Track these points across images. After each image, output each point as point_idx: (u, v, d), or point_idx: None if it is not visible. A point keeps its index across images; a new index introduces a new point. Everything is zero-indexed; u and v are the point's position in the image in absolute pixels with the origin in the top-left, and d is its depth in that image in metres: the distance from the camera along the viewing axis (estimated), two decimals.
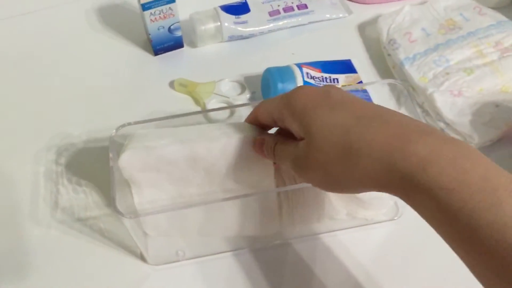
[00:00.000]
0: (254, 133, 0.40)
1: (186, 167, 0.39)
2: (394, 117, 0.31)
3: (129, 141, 0.40)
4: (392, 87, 0.47)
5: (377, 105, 0.33)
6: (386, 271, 0.44)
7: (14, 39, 0.65)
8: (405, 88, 0.45)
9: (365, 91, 0.56)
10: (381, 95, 0.55)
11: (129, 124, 0.42)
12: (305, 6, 0.65)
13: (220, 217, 0.42)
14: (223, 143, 0.39)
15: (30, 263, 0.45)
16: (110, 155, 0.40)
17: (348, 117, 0.31)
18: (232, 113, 0.55)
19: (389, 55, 0.59)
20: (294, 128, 0.34)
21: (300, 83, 0.54)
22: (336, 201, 0.44)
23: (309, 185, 0.34)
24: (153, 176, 0.40)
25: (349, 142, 0.30)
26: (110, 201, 0.48)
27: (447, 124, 0.51)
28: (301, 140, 0.33)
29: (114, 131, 0.41)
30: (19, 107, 0.57)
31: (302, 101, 0.34)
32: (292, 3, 0.65)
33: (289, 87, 0.53)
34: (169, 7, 0.57)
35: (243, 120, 0.42)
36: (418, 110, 0.43)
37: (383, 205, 0.46)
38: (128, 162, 0.39)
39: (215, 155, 0.39)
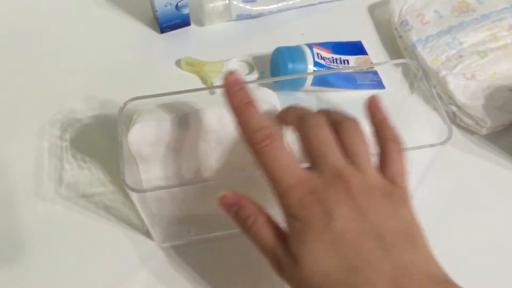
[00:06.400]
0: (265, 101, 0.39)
1: (197, 139, 0.39)
2: None
3: (138, 115, 0.39)
4: (404, 69, 0.46)
5: None
6: None
7: (19, 15, 0.63)
8: (420, 68, 0.44)
9: (375, 73, 0.56)
10: (392, 77, 0.54)
11: (139, 98, 0.41)
12: None
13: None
14: None
15: (33, 239, 0.44)
16: (119, 129, 0.39)
17: None
18: None
19: (400, 37, 0.58)
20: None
21: (310, 63, 0.52)
22: None
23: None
24: (163, 151, 0.39)
25: None
26: (115, 178, 0.48)
27: (459, 107, 0.51)
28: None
29: (123, 104, 0.40)
30: (22, 83, 0.56)
31: None
32: None
33: (299, 67, 0.52)
34: None
35: None
36: (434, 91, 0.42)
37: None
38: (138, 136, 0.38)
39: (226, 122, 0.38)
